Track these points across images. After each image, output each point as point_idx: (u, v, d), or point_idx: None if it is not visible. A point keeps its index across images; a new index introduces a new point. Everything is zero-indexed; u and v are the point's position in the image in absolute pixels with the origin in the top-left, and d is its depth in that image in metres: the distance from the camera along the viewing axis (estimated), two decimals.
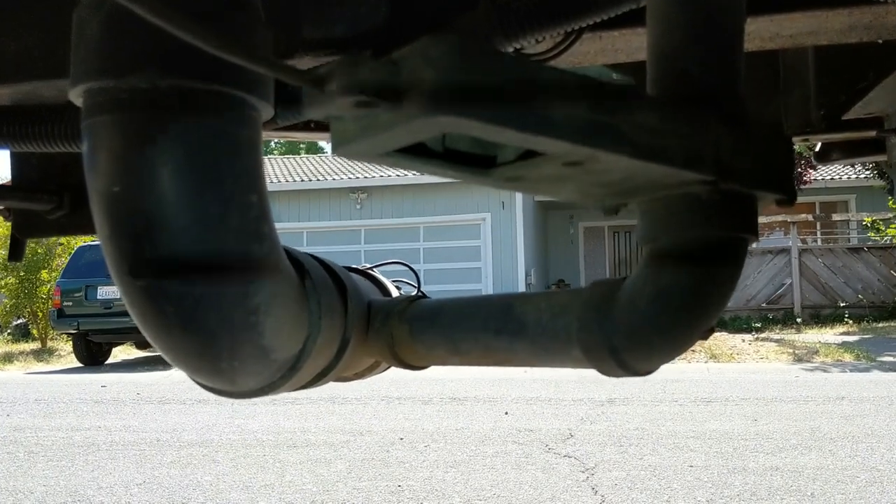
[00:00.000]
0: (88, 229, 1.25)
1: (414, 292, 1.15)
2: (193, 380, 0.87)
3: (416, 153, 0.66)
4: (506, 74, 0.58)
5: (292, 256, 0.90)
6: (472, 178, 0.70)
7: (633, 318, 0.78)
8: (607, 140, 0.63)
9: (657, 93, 0.79)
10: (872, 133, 1.43)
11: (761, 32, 0.95)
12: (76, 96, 0.76)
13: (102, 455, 4.86)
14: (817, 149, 1.68)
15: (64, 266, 13.37)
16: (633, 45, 1.02)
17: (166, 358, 0.82)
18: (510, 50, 0.95)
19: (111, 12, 0.73)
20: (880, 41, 1.00)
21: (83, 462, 4.67)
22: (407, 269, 1.51)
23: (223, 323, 0.78)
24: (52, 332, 14.61)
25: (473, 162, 0.70)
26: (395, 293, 1.21)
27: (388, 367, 1.18)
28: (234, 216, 0.77)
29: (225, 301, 0.77)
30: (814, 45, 1.27)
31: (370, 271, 1.24)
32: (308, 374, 0.94)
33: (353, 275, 1.11)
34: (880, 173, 13.66)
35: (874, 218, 14.63)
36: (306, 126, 1.45)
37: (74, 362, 12.39)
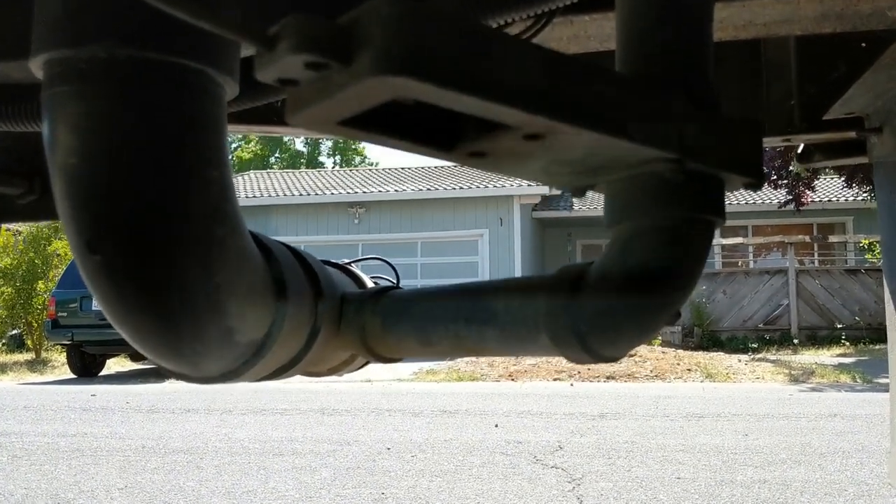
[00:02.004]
0: (57, 215, 1.23)
1: None
2: (157, 364, 0.86)
3: (375, 126, 0.65)
4: (461, 37, 0.57)
5: (259, 240, 0.89)
6: (434, 153, 0.69)
7: (600, 302, 0.77)
8: (567, 111, 0.62)
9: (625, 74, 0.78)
10: (853, 134, 1.42)
11: (734, 20, 0.94)
12: (37, 68, 0.76)
13: (86, 460, 4.84)
14: (799, 150, 1.68)
15: (60, 277, 13.34)
16: (605, 31, 1.02)
17: (127, 338, 0.81)
18: None
19: None
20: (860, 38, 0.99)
21: (66, 467, 4.64)
22: (386, 264, 1.50)
23: (184, 301, 0.76)
24: (46, 342, 14.57)
25: (436, 138, 0.69)
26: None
27: (365, 364, 1.16)
28: (194, 192, 0.76)
29: (186, 279, 0.76)
30: (795, 40, 1.27)
31: (348, 266, 1.23)
32: (275, 361, 0.92)
33: (329, 268, 1.10)
34: None
35: (871, 240, 14.64)
36: (279, 119, 1.44)
37: (68, 373, 12.36)
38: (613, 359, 0.82)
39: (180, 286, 0.75)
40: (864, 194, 15.29)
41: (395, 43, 0.54)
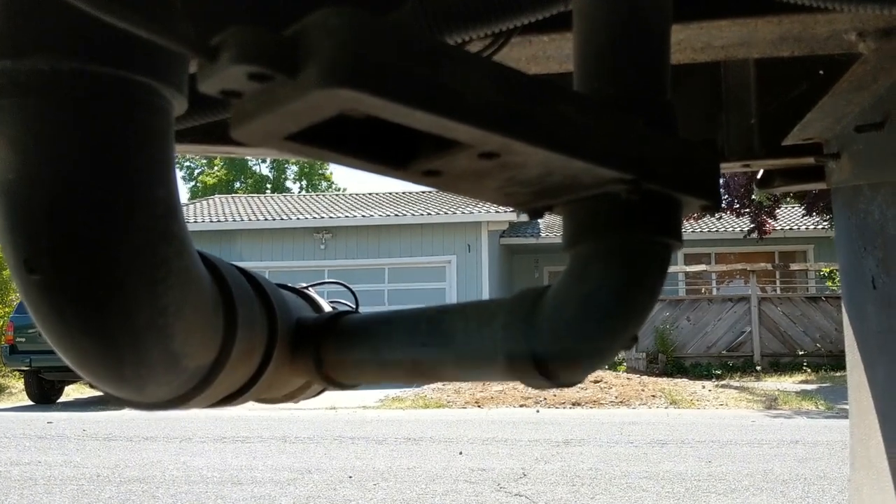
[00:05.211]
0: None
1: None
2: (100, 389, 0.83)
3: (323, 142, 0.62)
4: (413, 51, 0.55)
5: (209, 262, 0.86)
6: (386, 171, 0.67)
7: (558, 325, 0.75)
8: (522, 128, 0.61)
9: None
10: (812, 159, 1.43)
11: (692, 42, 0.94)
12: None
13: (38, 490, 4.71)
14: (759, 175, 1.68)
15: (18, 301, 13.09)
16: (564, 52, 1.01)
17: (67, 362, 0.77)
18: None
19: None
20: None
21: (17, 497, 4.51)
22: (346, 289, 1.47)
23: (127, 324, 0.73)
24: (3, 368, 14.28)
25: (389, 156, 0.67)
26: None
27: (322, 391, 1.13)
28: (138, 210, 0.73)
29: (128, 300, 0.72)
30: (754, 64, 1.27)
31: (305, 290, 1.20)
32: (225, 387, 0.89)
33: (285, 291, 1.07)
34: None
35: (831, 268, 14.87)
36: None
37: (25, 400, 12.10)
38: (571, 384, 0.81)
39: (122, 308, 0.72)
40: (825, 223, 15.56)
41: (342, 55, 0.52)
